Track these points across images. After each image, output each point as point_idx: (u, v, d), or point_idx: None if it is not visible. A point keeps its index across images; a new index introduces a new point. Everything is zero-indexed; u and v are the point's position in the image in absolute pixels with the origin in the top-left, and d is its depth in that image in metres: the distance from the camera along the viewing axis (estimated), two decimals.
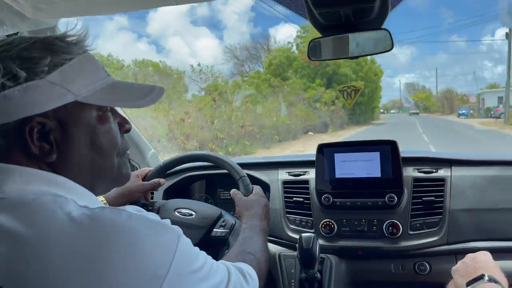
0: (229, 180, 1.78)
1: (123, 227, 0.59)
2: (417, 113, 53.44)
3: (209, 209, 1.39)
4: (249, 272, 0.85)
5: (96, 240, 0.56)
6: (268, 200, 1.67)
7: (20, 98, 0.61)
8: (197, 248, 0.69)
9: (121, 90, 0.74)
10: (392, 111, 77.96)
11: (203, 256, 0.69)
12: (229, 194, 1.95)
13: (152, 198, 1.74)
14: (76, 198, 0.62)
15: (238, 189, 1.38)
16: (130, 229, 0.59)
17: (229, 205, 1.55)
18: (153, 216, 0.65)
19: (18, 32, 1.23)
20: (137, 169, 1.99)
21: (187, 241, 0.66)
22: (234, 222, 1.33)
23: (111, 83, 0.73)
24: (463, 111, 41.05)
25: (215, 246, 1.33)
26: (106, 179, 0.77)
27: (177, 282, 0.60)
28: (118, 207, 0.64)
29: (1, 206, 0.58)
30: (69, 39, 0.69)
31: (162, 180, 1.45)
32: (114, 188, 1.22)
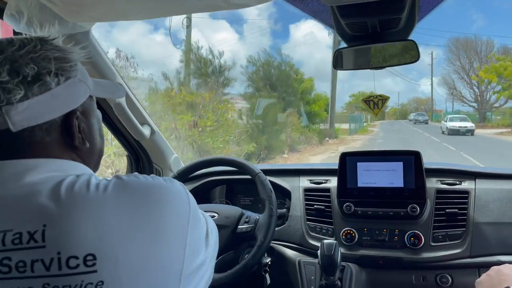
0: (249, 185, 1.80)
1: (148, 184, 0.66)
2: None
3: (230, 209, 1.44)
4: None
5: (135, 196, 0.63)
6: (289, 207, 1.69)
7: (64, 95, 0.67)
8: None
9: (102, 84, 0.83)
10: (412, 115, 43.57)
11: None
12: (249, 200, 1.99)
13: None
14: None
15: (257, 191, 1.41)
16: (154, 185, 0.67)
17: (249, 210, 1.57)
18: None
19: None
20: (159, 172, 2.03)
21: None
22: (257, 217, 1.38)
23: (93, 79, 0.80)
24: None
25: (243, 242, 1.38)
26: (99, 162, 0.85)
27: (195, 215, 0.70)
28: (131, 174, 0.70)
29: (33, 190, 0.60)
30: (59, 39, 0.72)
31: None
32: None
